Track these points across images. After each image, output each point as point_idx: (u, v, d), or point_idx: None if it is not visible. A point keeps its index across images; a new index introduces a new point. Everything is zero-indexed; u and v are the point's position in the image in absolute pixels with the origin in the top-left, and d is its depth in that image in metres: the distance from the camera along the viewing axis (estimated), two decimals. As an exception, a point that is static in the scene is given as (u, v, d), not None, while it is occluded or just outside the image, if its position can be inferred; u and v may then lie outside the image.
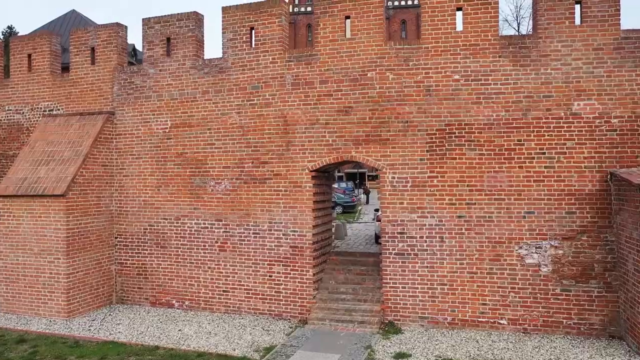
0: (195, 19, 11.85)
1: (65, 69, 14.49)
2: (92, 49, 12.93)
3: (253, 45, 11.35)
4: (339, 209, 27.71)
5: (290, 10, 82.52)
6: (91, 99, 12.91)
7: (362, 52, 10.54)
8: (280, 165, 11.07)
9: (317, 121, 10.82)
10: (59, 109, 13.35)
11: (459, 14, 10.21)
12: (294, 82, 10.99)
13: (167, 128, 12.07)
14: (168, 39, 12.08)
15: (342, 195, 30.56)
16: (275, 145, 11.12)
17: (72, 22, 44.90)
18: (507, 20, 29.88)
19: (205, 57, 12.06)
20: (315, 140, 10.82)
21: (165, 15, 12.08)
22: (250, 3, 11.36)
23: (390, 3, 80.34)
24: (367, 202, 37.66)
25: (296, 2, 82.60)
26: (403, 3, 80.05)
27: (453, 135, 10.06)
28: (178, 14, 12.01)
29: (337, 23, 10.71)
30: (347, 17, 10.67)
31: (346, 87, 10.63)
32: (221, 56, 11.66)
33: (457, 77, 10.05)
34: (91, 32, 13.02)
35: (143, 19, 12.53)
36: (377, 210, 16.51)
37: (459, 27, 10.16)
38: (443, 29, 10.12)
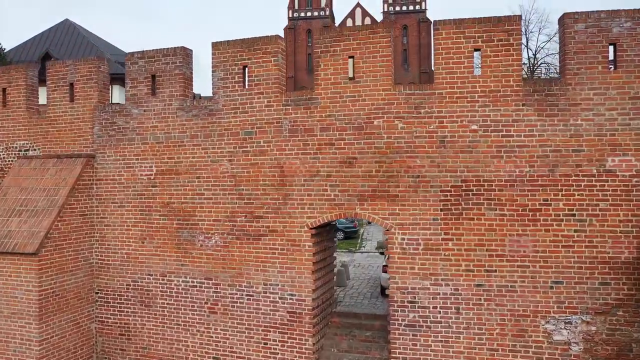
0: (183, 55, 10.73)
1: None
2: (71, 85, 11.81)
3: (246, 86, 10.23)
4: (340, 235, 26.57)
5: (290, 16, 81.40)
6: (70, 139, 11.79)
7: (367, 97, 9.42)
8: (276, 220, 9.95)
9: (317, 173, 9.70)
10: (35, 149, 12.22)
11: (477, 55, 9.11)
12: (291, 129, 9.87)
13: (152, 174, 10.95)
14: (153, 77, 10.96)
15: (344, 220, 29.41)
16: (270, 198, 10.00)
17: (66, 32, 43.81)
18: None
19: (200, 94, 10.96)
20: (316, 194, 9.69)
21: (150, 50, 10.97)
22: (244, 39, 10.25)
23: (391, 8, 79.22)
24: (369, 222, 36.09)
25: (296, 7, 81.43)
26: (404, 8, 78.90)
27: (470, 192, 8.93)
28: (164, 49, 10.90)
29: (340, 64, 9.59)
30: (351, 57, 9.55)
31: (350, 135, 9.51)
32: (211, 96, 10.55)
33: (474, 127, 8.93)
34: (70, 66, 11.90)
35: (126, 55, 11.44)
36: (381, 250, 15.39)
37: (477, 71, 9.05)
38: (459, 73, 9.00)
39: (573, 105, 8.60)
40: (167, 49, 10.87)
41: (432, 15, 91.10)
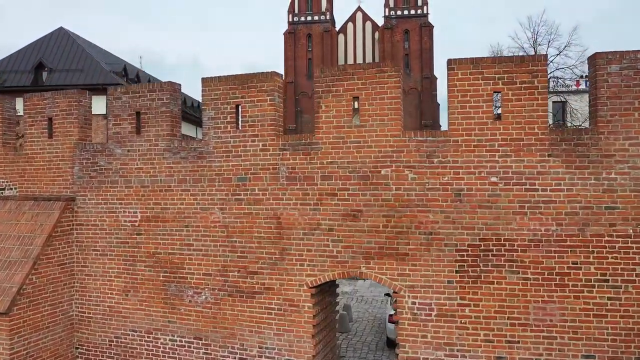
0: (171, 90, 9.77)
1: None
2: (50, 120, 10.85)
3: (239, 127, 9.27)
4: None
5: (290, 20, 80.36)
6: (48, 179, 10.83)
7: (374, 144, 8.45)
8: (272, 277, 8.97)
9: (318, 226, 8.73)
10: (11, 188, 11.26)
11: (497, 97, 8.15)
12: (289, 176, 8.90)
13: (136, 221, 9.98)
14: (138, 114, 9.99)
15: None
16: (266, 252, 9.02)
17: (60, 41, 42.85)
18: (523, 48, 27.76)
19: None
20: (316, 250, 8.72)
21: (134, 85, 10.03)
22: (237, 75, 9.28)
23: (392, 13, 78.22)
24: None
25: (296, 11, 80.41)
26: (406, 13, 77.90)
27: (490, 252, 7.96)
28: (150, 84, 9.94)
29: (343, 105, 8.62)
30: (356, 99, 8.58)
31: (354, 185, 8.54)
32: (201, 137, 9.59)
33: (494, 179, 7.96)
34: (48, 100, 10.93)
35: (108, 90, 10.49)
36: (388, 295, 14.39)
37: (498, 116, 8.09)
38: (477, 119, 8.04)
39: (606, 157, 7.64)
40: (154, 84, 9.92)
41: (434, 20, 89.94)
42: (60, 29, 43.28)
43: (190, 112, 59.01)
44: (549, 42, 27.00)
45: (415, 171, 8.26)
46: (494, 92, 8.03)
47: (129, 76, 43.33)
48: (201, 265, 9.44)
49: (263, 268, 9.02)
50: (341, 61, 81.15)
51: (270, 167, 9.02)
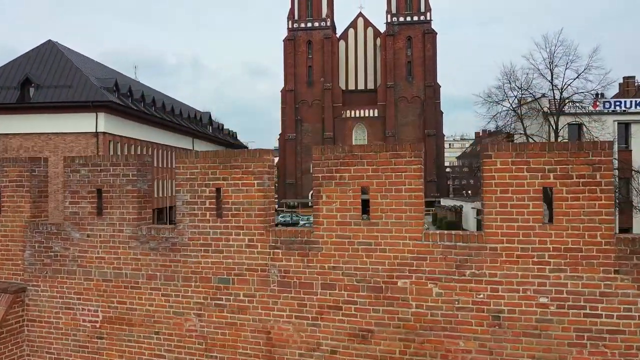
0: (139, 165, 8.00)
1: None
2: (-2, 192, 9.09)
3: (221, 217, 7.50)
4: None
5: (289, 26, 78.58)
6: (-4, 262, 9.06)
7: (388, 247, 6.69)
8: (261, 406, 7.21)
9: (317, 346, 6.96)
10: (-45, 270, 9.49)
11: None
12: (282, 281, 7.14)
13: (97, 322, 8.21)
14: (99, 191, 8.23)
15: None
16: (253, 374, 7.26)
17: (48, 54, 41.09)
18: (539, 70, 26.01)
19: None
20: (315, 377, 6.95)
21: (95, 157, 8.27)
22: (217, 151, 7.55)
23: (395, 19, 76.45)
24: None
25: (296, 17, 78.63)
26: (409, 19, 76.14)
27: (538, 394, 6.19)
28: (115, 155, 8.21)
29: (350, 197, 6.86)
30: (365, 189, 6.82)
31: (363, 298, 6.78)
32: (174, 226, 7.84)
33: (544, 300, 6.19)
34: (-4, 168, 9.17)
35: (64, 158, 8.75)
36: None
37: (546, 219, 6.34)
38: (521, 221, 6.27)
39: (691, 277, 5.87)
40: (118, 156, 8.17)
41: (437, 26, 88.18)
42: (49, 41, 41.51)
43: (186, 123, 57.35)
44: (567, 64, 25.24)
45: (442, 285, 6.50)
46: (544, 187, 6.27)
47: (121, 91, 41.60)
48: (174, 383, 7.68)
49: (249, 393, 7.26)
50: (342, 68, 79.38)
51: (259, 268, 7.26)
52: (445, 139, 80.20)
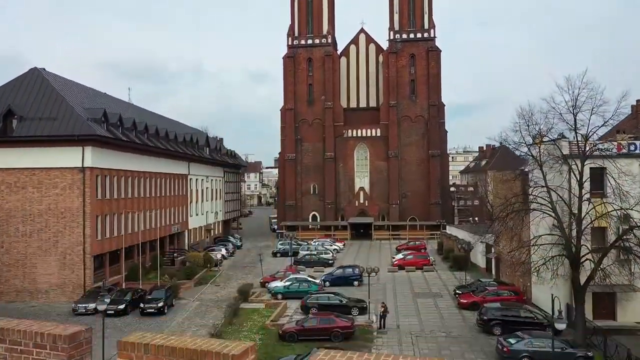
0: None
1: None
2: None
3: None
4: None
5: (289, 43, 76.36)
6: None
7: None
8: None
9: None
10: None
11: None
12: None
13: None
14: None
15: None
16: None
17: (33, 83, 38.86)
18: (561, 115, 23.73)
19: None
20: None
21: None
22: (174, 349, 5.15)
23: (397, 36, 74.31)
24: (383, 327, 28.67)
25: (296, 34, 76.46)
26: (412, 36, 73.95)
27: None
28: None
29: None
30: None
31: None
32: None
33: None
34: None
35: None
36: None
37: None
38: None
39: None
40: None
41: (441, 43, 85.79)
42: (34, 69, 39.25)
43: (182, 148, 55.05)
44: (592, 109, 22.90)
45: None
46: None
47: (110, 120, 39.34)
48: None
49: None
50: (343, 86, 77.08)
51: None
52: (448, 150, 77.96)
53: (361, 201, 72.33)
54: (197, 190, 61.44)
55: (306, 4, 76.24)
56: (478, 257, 43.36)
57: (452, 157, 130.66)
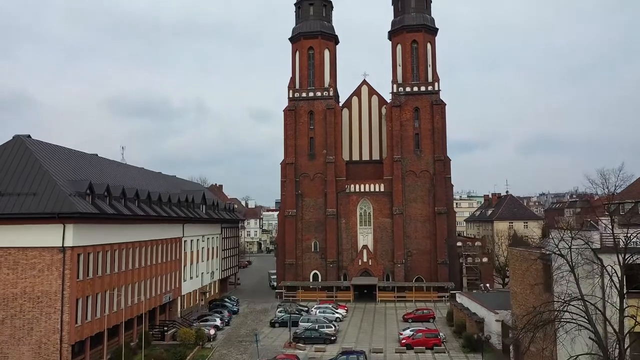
0: None
1: None
2: None
3: None
4: None
5: (290, 96, 74.49)
6: None
7: None
8: None
9: None
10: None
11: None
12: None
13: None
14: None
15: None
16: None
17: (15, 153, 36.31)
18: (589, 179, 21.19)
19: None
20: None
21: None
22: None
23: (401, 89, 72.52)
24: None
25: (297, 86, 74.75)
26: (415, 89, 72.11)
27: None
28: None
29: None
30: None
31: None
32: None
33: None
34: None
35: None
36: None
37: None
38: None
39: None
40: None
41: (445, 96, 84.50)
42: (17, 138, 36.69)
43: (176, 210, 52.19)
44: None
45: None
46: None
47: (96, 192, 36.55)
48: None
49: None
50: (345, 138, 74.87)
51: None
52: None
53: (364, 260, 68.82)
54: (191, 252, 58.24)
55: (307, 56, 74.86)
56: (494, 337, 39.78)
57: (457, 204, 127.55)
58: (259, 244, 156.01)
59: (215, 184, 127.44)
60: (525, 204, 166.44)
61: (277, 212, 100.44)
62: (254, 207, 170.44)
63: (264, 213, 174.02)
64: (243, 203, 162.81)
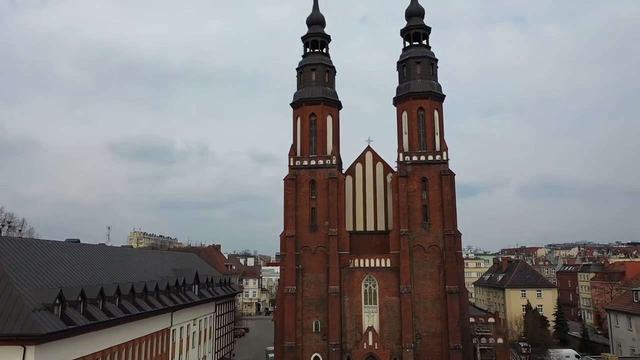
0: None
1: None
2: None
3: None
4: None
5: (291, 164, 70.95)
6: None
7: None
8: None
9: None
10: None
11: None
12: None
13: None
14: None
15: None
16: None
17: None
18: None
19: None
20: None
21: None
22: None
23: (407, 158, 69.06)
24: None
25: (298, 154, 71.46)
26: (423, 159, 68.61)
27: None
28: None
29: None
30: None
31: None
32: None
33: None
34: None
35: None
36: None
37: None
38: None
39: None
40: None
41: (454, 166, 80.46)
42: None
43: (163, 300, 47.54)
44: None
45: None
46: None
47: (67, 299, 32.00)
48: None
49: None
50: (349, 208, 70.90)
51: None
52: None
53: (370, 343, 63.37)
54: (180, 341, 53.15)
55: (309, 122, 71.78)
56: None
57: (465, 263, 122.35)
58: (258, 305, 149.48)
59: (213, 245, 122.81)
60: (534, 262, 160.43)
61: (278, 267, 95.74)
62: (253, 265, 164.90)
63: (263, 268, 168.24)
64: (242, 261, 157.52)
